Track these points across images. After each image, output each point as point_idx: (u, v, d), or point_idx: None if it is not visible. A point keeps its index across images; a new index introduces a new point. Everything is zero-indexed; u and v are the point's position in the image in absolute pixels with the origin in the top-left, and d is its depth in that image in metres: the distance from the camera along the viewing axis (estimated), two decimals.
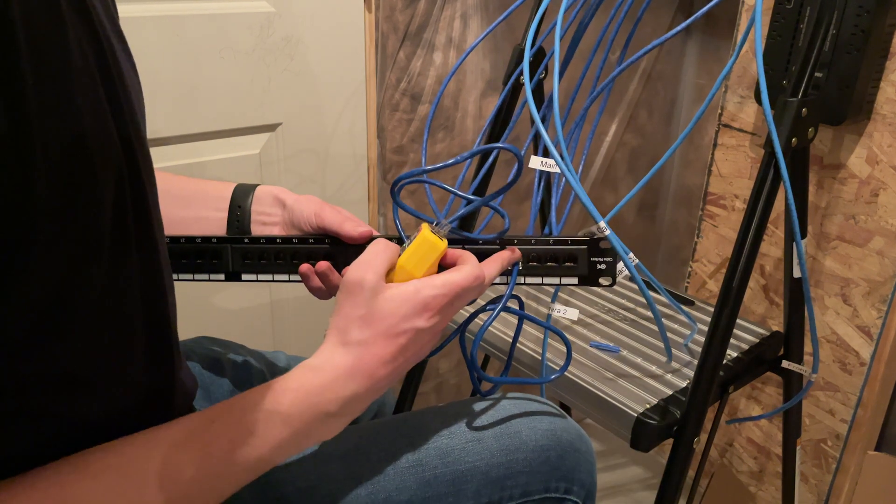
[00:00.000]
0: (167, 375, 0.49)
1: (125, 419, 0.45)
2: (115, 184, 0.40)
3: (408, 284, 0.52)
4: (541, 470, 0.65)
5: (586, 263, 0.62)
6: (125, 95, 0.42)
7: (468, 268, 0.54)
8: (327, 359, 0.50)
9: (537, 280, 0.62)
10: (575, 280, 0.62)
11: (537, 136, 0.96)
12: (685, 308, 0.91)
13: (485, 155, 0.97)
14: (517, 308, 0.64)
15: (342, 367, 0.49)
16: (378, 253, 0.53)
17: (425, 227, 0.55)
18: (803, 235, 0.79)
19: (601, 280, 0.62)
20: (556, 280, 0.62)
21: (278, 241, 0.64)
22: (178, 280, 0.60)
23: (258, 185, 0.68)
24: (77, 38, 0.37)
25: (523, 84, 0.96)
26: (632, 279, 0.76)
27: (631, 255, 0.73)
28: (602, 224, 0.67)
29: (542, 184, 0.94)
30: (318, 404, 0.48)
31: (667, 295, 0.85)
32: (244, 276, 0.65)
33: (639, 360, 0.85)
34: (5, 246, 0.34)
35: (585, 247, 0.61)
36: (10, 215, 0.34)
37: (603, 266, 0.61)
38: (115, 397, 0.44)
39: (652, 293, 0.89)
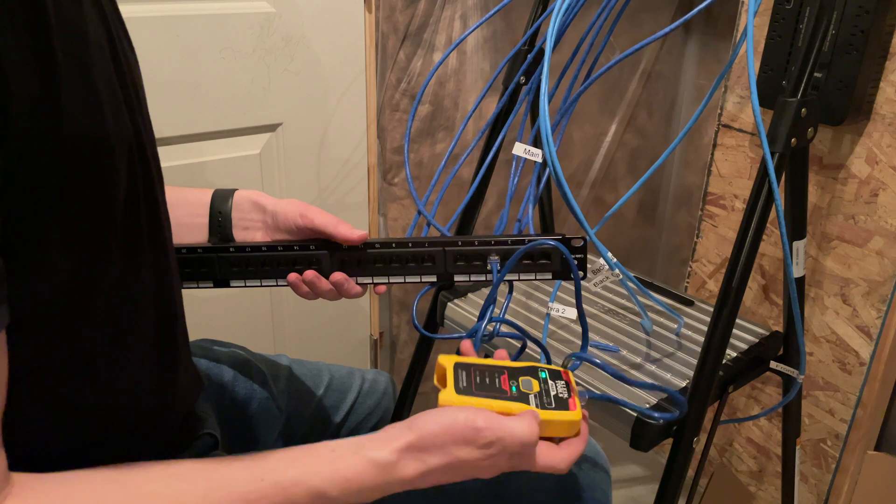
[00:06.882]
0: (169, 373, 0.49)
1: (123, 412, 0.45)
2: (126, 170, 0.40)
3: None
4: (551, 489, 0.65)
5: (559, 260, 0.66)
6: (133, 83, 0.42)
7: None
8: (394, 463, 0.48)
9: (514, 276, 0.66)
10: (549, 275, 0.67)
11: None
12: (673, 304, 0.91)
13: (484, 156, 0.97)
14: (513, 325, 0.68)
15: (405, 480, 0.48)
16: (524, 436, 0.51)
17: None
18: (802, 235, 0.80)
19: (573, 275, 0.66)
20: (531, 276, 0.67)
21: (263, 248, 0.65)
22: None
23: (236, 189, 0.69)
24: (92, 21, 0.38)
25: (522, 85, 0.96)
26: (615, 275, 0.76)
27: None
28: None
29: (518, 172, 0.92)
30: (363, 495, 0.48)
31: (638, 283, 0.85)
32: (233, 283, 0.67)
33: (639, 360, 0.85)
34: (34, 220, 0.35)
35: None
36: (41, 192, 0.35)
37: (574, 262, 0.65)
38: (117, 387, 0.44)
39: (647, 294, 0.89)
